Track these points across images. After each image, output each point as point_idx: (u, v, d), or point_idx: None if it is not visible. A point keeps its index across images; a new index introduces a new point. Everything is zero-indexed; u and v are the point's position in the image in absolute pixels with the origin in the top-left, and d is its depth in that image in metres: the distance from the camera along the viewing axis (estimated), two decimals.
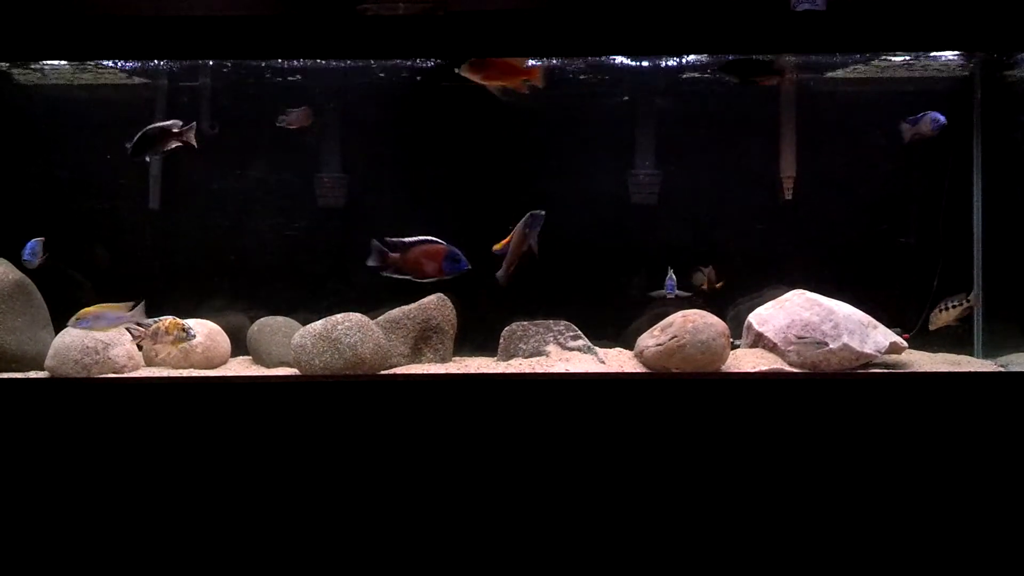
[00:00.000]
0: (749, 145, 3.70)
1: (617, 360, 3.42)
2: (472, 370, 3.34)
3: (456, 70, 3.42)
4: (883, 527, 2.99)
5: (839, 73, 3.61)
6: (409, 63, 3.51)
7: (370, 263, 3.10)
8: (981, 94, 3.59)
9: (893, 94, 3.68)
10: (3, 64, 3.52)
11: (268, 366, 3.45)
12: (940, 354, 3.51)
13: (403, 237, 3.11)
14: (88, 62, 3.46)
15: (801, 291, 3.45)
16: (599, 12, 3.16)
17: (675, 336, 3.20)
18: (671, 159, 3.69)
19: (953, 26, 3.10)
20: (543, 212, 3.16)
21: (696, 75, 3.53)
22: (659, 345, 3.23)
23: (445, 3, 3.37)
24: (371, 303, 3.49)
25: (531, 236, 3.17)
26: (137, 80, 3.64)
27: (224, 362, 3.51)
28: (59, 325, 3.37)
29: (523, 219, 3.16)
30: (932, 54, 3.41)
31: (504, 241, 3.19)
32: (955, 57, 3.46)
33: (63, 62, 3.47)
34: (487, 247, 3.18)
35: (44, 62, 3.47)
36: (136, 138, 3.25)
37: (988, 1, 3.08)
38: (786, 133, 3.63)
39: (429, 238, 3.09)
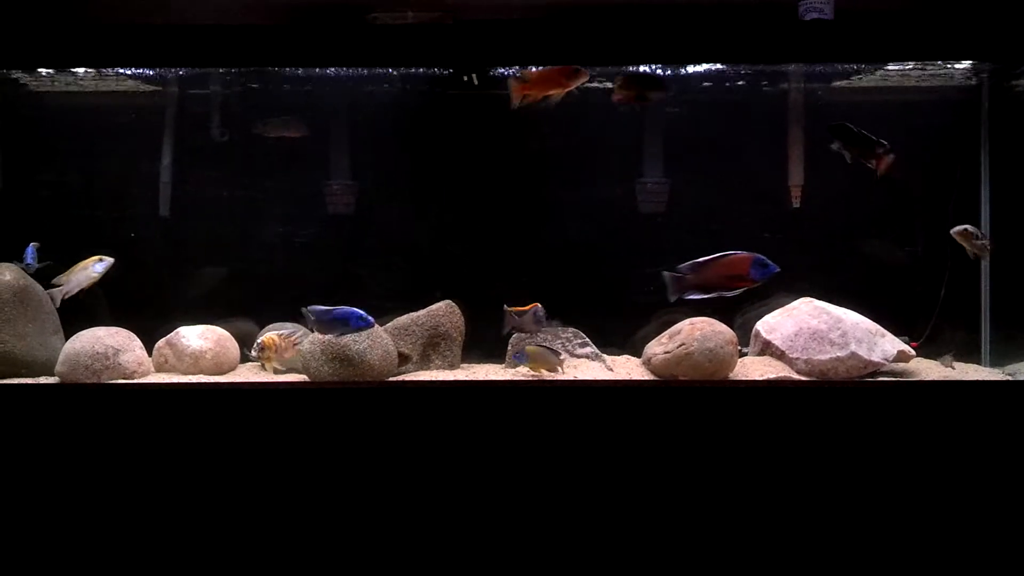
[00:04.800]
0: (757, 154, 3.71)
1: (625, 367, 3.43)
2: (480, 377, 3.34)
3: (465, 78, 3.46)
4: (891, 535, 2.98)
5: (846, 82, 3.62)
6: (418, 72, 3.53)
7: (671, 296, 3.13)
8: (989, 104, 3.59)
9: (900, 103, 3.69)
10: (14, 71, 3.54)
11: (277, 372, 3.46)
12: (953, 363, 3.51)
13: (695, 259, 3.12)
14: (100, 70, 3.47)
15: (809, 299, 3.46)
16: (608, 22, 3.18)
17: (683, 344, 3.21)
18: (679, 167, 3.69)
19: (961, 36, 3.11)
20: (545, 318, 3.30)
21: (705, 84, 3.54)
22: (667, 353, 3.24)
23: (454, 12, 3.39)
24: (379, 309, 3.50)
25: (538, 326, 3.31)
26: (148, 87, 3.66)
27: (233, 368, 3.52)
28: (69, 331, 3.39)
29: (532, 310, 3.29)
30: (939, 64, 3.42)
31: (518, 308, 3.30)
32: (963, 67, 3.46)
33: (73, 69, 3.49)
34: (496, 252, 3.19)
35: (55, 70, 3.49)
36: None
37: (996, 11, 3.09)
38: (794, 142, 3.64)
39: (727, 252, 3.11)
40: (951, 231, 3.35)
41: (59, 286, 3.36)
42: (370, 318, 3.15)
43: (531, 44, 3.16)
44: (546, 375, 3.27)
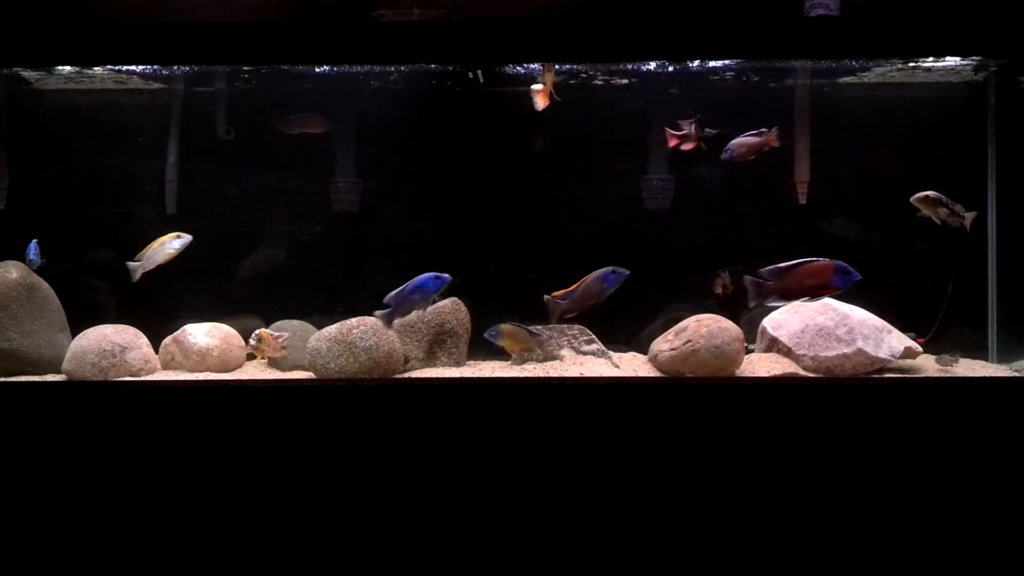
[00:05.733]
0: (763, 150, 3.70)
1: (631, 364, 3.42)
2: (486, 374, 3.34)
3: (470, 75, 3.46)
4: (898, 532, 2.98)
5: (852, 79, 3.61)
6: (424, 68, 3.53)
7: (751, 302, 3.11)
8: (995, 100, 3.58)
9: (906, 100, 3.68)
10: (19, 69, 3.55)
11: (283, 370, 3.46)
12: (958, 359, 3.50)
13: (777, 264, 3.08)
14: (104, 68, 3.48)
15: None
16: (613, 18, 3.17)
17: (689, 341, 3.21)
18: (685, 164, 3.69)
19: (967, 32, 3.10)
20: (626, 272, 3.20)
21: (711, 79, 3.53)
22: (673, 350, 3.23)
23: (460, 9, 3.39)
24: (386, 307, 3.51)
25: (606, 292, 3.21)
26: (154, 85, 3.67)
27: (240, 366, 3.52)
28: (76, 329, 3.39)
29: (601, 272, 3.20)
30: (946, 60, 3.41)
31: (567, 289, 3.23)
32: (969, 63, 3.46)
33: (79, 68, 3.49)
34: (497, 249, 3.19)
35: (62, 68, 3.50)
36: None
37: (1002, 7, 3.08)
38: (800, 138, 3.63)
39: (809, 259, 3.07)
40: (911, 199, 3.33)
41: (138, 262, 3.37)
42: (445, 275, 3.16)
43: (537, 41, 3.16)
44: (538, 370, 3.24)
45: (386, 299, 3.19)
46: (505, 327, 3.33)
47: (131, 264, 3.37)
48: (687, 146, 3.37)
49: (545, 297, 3.26)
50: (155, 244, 3.38)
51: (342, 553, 3.02)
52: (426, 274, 3.18)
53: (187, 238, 3.39)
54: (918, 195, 3.32)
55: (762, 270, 3.07)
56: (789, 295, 3.09)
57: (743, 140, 3.34)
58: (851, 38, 3.14)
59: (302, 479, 3.02)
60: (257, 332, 3.43)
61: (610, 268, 3.23)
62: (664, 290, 3.62)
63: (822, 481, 2.99)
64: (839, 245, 3.67)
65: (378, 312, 3.23)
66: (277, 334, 3.43)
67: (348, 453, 3.02)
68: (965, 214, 3.33)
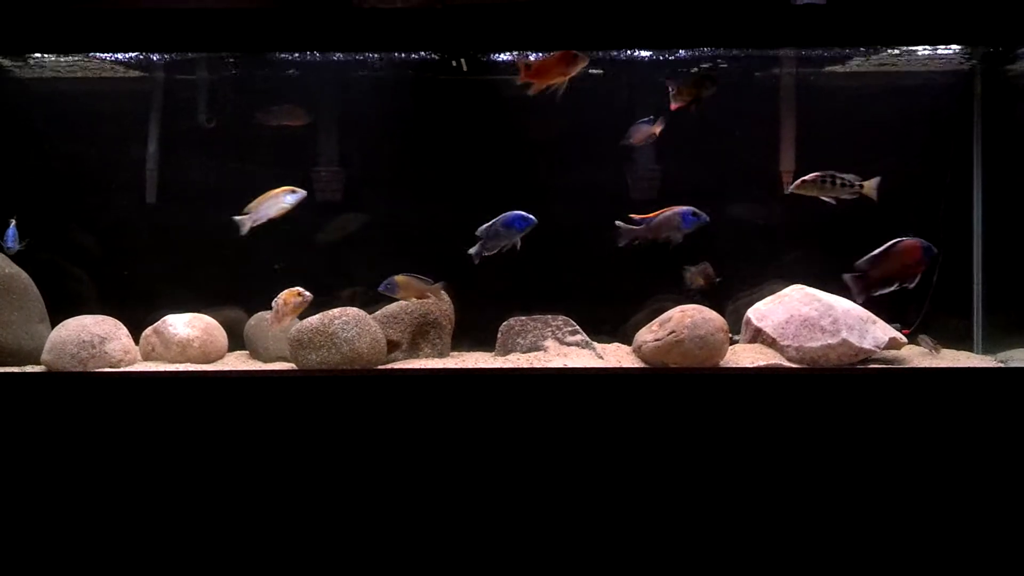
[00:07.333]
0: (748, 139, 3.68)
1: (615, 355, 3.41)
2: (470, 365, 3.33)
3: (454, 63, 3.43)
4: (881, 523, 2.98)
5: (838, 68, 3.59)
6: (407, 57, 3.50)
7: (857, 298, 3.19)
8: (982, 88, 3.57)
9: (893, 88, 3.66)
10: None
11: (265, 361, 3.44)
12: (940, 349, 3.50)
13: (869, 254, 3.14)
14: (85, 55, 3.44)
15: (800, 286, 3.44)
16: (597, 6, 3.14)
17: (673, 331, 3.19)
18: (670, 154, 3.67)
19: (953, 20, 3.08)
20: (706, 218, 3.25)
21: (696, 69, 3.51)
22: (657, 340, 3.22)
23: None
24: (368, 298, 3.48)
25: (680, 231, 3.24)
26: (133, 73, 3.62)
27: (221, 357, 3.50)
28: (55, 319, 3.36)
29: (682, 209, 3.24)
30: (932, 49, 3.39)
31: (648, 215, 3.26)
32: (955, 51, 3.44)
33: (59, 56, 3.45)
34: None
35: (41, 56, 3.45)
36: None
37: None
38: (785, 127, 3.62)
39: (896, 240, 3.14)
40: (788, 191, 3.32)
41: (246, 215, 3.25)
42: (531, 216, 3.22)
43: (522, 29, 3.13)
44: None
45: (478, 232, 3.25)
46: (399, 278, 3.27)
47: (239, 218, 3.26)
48: (675, 104, 3.36)
49: (617, 223, 3.27)
50: (267, 198, 3.23)
51: (325, 543, 3.01)
52: (514, 212, 3.22)
53: (301, 193, 3.26)
54: (795, 185, 3.31)
55: (857, 264, 3.14)
56: (889, 280, 3.14)
57: (639, 127, 3.45)
58: (837, 27, 3.12)
59: (283, 471, 3.00)
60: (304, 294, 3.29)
61: (691, 208, 3.26)
62: (649, 281, 3.60)
63: (806, 471, 2.98)
64: (824, 235, 3.68)
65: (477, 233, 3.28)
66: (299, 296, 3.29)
67: (330, 444, 3.00)
68: (863, 183, 3.28)
